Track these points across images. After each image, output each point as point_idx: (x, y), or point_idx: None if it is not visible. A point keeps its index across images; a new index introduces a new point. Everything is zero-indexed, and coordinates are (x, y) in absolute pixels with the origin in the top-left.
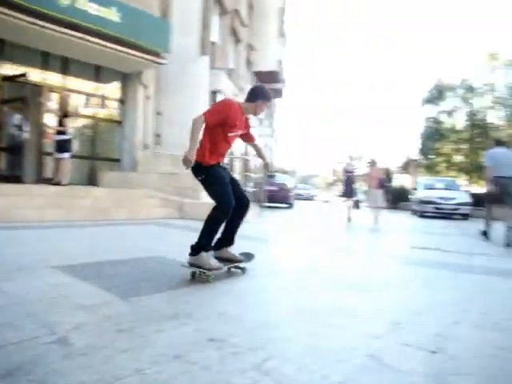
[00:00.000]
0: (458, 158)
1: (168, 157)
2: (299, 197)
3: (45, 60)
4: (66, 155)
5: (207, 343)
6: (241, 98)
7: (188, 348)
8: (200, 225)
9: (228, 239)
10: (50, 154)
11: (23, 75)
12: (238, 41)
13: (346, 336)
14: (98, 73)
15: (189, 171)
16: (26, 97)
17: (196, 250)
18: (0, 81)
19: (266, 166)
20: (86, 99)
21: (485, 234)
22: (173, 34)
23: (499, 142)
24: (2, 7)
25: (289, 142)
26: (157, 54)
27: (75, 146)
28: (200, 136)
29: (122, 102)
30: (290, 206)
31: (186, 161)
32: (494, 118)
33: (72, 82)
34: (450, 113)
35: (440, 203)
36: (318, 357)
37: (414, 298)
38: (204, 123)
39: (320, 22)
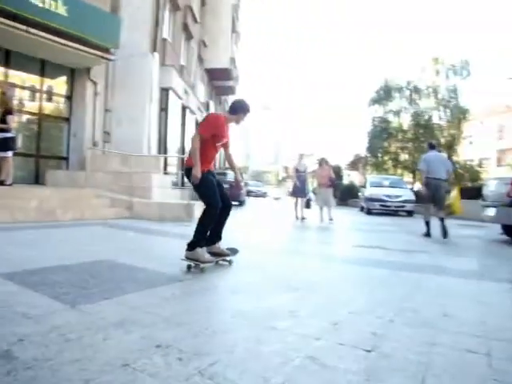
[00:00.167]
0: (404, 157)
1: (117, 155)
2: (251, 194)
3: None
4: (10, 154)
5: (154, 350)
6: (192, 96)
7: (136, 356)
8: (150, 224)
9: (216, 236)
10: None
11: None
12: (189, 37)
13: (287, 338)
14: (44, 67)
15: (137, 169)
16: None
17: (192, 245)
18: None
19: (236, 172)
20: (31, 95)
21: (427, 233)
22: (123, 29)
23: (432, 146)
24: None
25: (241, 138)
26: (106, 50)
27: (18, 143)
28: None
29: (69, 98)
30: (241, 203)
31: (195, 178)
32: (437, 118)
33: (15, 76)
34: (396, 113)
35: (386, 201)
36: (261, 360)
37: (353, 298)
38: (199, 139)
39: (275, 17)
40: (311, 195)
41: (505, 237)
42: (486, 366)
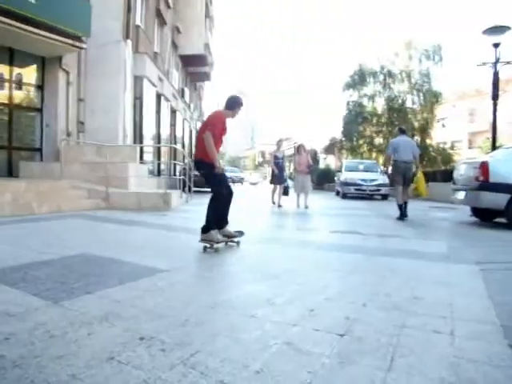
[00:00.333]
0: (379, 141)
1: (92, 145)
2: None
3: None
4: None
5: (138, 342)
6: (166, 83)
7: (120, 349)
8: (128, 215)
9: (223, 220)
10: None
11: None
12: (163, 23)
13: (265, 326)
14: (13, 56)
15: (113, 159)
16: None
17: (205, 229)
18: None
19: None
20: (0, 84)
21: (401, 217)
22: (94, 17)
23: (402, 131)
24: None
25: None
26: (77, 38)
27: None
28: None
29: (40, 87)
30: None
31: (219, 169)
32: (411, 102)
33: None
34: (371, 97)
35: (362, 185)
36: (240, 348)
37: (328, 284)
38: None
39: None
40: (289, 182)
41: (474, 218)
42: (449, 345)
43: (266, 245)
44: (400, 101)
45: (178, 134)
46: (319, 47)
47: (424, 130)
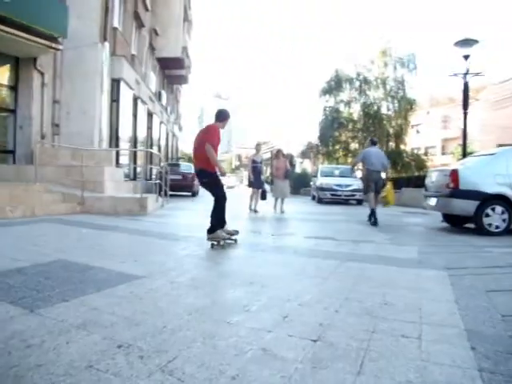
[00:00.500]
0: (354, 146)
1: (67, 148)
2: None
3: None
4: None
5: (116, 350)
6: (143, 86)
7: (98, 356)
8: (103, 220)
9: (224, 221)
10: None
11: None
12: (141, 26)
13: (240, 332)
14: None
15: (89, 163)
16: None
17: (212, 229)
18: None
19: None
20: None
21: (374, 222)
22: (71, 18)
23: (374, 142)
24: None
25: (194, 127)
26: (52, 39)
27: None
28: (201, 149)
29: (14, 88)
30: (194, 194)
31: (223, 174)
32: (386, 109)
33: None
34: (347, 103)
35: (337, 190)
36: (216, 354)
37: (303, 290)
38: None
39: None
40: (266, 186)
41: (445, 224)
42: (416, 349)
43: (242, 251)
44: (375, 107)
45: (155, 136)
46: (302, 49)
47: (398, 136)
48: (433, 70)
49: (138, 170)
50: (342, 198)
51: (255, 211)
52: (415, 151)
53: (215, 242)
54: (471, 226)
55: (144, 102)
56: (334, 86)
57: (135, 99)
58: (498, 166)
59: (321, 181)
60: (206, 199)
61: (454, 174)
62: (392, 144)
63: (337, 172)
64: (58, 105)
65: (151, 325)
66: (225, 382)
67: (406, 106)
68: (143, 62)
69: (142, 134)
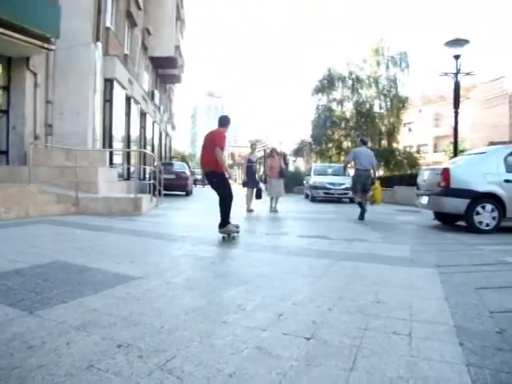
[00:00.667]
0: (347, 144)
1: (61, 149)
2: (197, 183)
3: None
4: None
5: (116, 350)
6: (136, 85)
7: (99, 357)
8: (98, 220)
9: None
10: None
11: None
12: (133, 25)
13: (236, 331)
14: None
15: (82, 163)
16: None
17: (223, 224)
18: None
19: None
20: None
21: (361, 217)
22: (64, 18)
23: (364, 142)
24: None
25: (188, 125)
26: (46, 39)
27: None
28: (210, 153)
29: (6, 88)
30: (188, 193)
31: (229, 176)
32: (378, 107)
33: None
34: (340, 101)
35: (330, 188)
36: (214, 353)
37: (297, 289)
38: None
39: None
40: (261, 185)
41: (436, 222)
42: (407, 345)
43: (237, 250)
44: (368, 105)
45: (148, 136)
46: (300, 49)
47: (391, 135)
48: (424, 68)
49: (132, 169)
50: (335, 196)
51: (250, 210)
52: (407, 149)
53: (226, 235)
54: (462, 223)
55: (137, 102)
56: (327, 84)
57: (128, 99)
58: (488, 165)
59: (314, 179)
60: (200, 198)
61: (446, 172)
62: (384, 142)
63: (330, 170)
64: (51, 105)
65: (149, 325)
66: (222, 379)
67: (399, 104)
68: (136, 61)
69: (135, 134)
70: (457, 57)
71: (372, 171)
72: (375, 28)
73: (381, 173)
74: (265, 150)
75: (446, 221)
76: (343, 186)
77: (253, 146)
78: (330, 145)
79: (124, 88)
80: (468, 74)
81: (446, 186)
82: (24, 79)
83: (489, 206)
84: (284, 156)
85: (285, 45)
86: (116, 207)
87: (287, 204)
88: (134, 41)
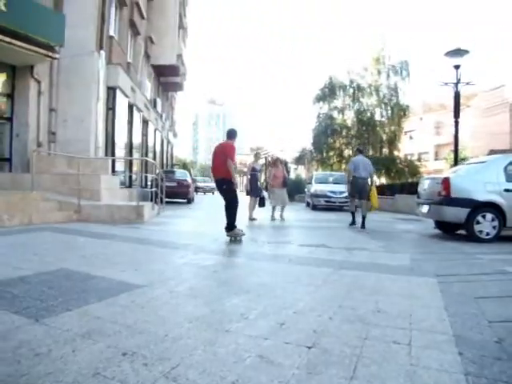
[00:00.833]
0: (348, 152)
1: (64, 156)
2: (199, 190)
3: None
4: None
5: (121, 357)
6: (139, 93)
7: (105, 364)
8: (100, 228)
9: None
10: None
11: None
12: (136, 34)
13: (239, 339)
14: None
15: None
16: None
17: (230, 227)
18: None
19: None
20: None
21: (352, 222)
22: (68, 27)
23: (360, 151)
24: None
25: (190, 133)
26: (50, 48)
27: None
28: (222, 162)
29: (10, 96)
30: (190, 201)
31: (236, 185)
32: (379, 116)
33: None
34: (341, 110)
35: (331, 197)
36: (217, 361)
37: (298, 298)
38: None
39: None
40: (264, 193)
41: (437, 231)
42: (406, 354)
43: (238, 259)
44: (369, 114)
45: (150, 143)
46: (301, 49)
47: (392, 143)
48: (425, 76)
49: (134, 177)
50: (336, 204)
51: (252, 219)
52: (409, 157)
53: (233, 238)
54: (463, 232)
55: (139, 110)
56: (328, 93)
57: (131, 107)
58: (488, 174)
59: (315, 187)
60: (201, 206)
61: (446, 181)
62: (386, 150)
63: (331, 179)
64: (55, 113)
65: (153, 333)
66: None
67: (400, 112)
68: (139, 69)
69: (137, 141)
70: (457, 67)
71: (370, 178)
72: (375, 28)
73: (382, 181)
74: (266, 158)
75: (447, 230)
76: (344, 195)
77: (257, 154)
78: (331, 153)
79: (127, 96)
80: (468, 83)
81: (446, 195)
82: (28, 87)
83: (489, 215)
84: (285, 164)
85: (285, 45)
86: (118, 215)
87: (288, 212)
88: (137, 49)
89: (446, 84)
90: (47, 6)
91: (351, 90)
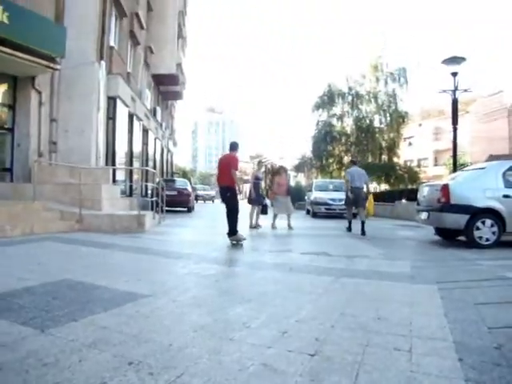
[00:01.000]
0: (348, 159)
1: (65, 166)
2: (198, 198)
3: None
4: None
5: (127, 367)
6: (139, 103)
7: (111, 374)
8: (102, 237)
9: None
10: None
11: None
12: (136, 44)
13: (243, 348)
14: None
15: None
16: None
17: (232, 232)
18: None
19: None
20: None
21: (349, 229)
22: (68, 38)
23: (354, 162)
24: None
25: (189, 141)
26: (51, 59)
27: None
28: (227, 172)
29: (11, 107)
30: (190, 209)
31: (240, 192)
32: (378, 122)
33: None
34: (340, 117)
35: (331, 204)
36: (221, 370)
37: (299, 307)
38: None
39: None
40: (267, 201)
41: (437, 237)
42: (407, 361)
43: (239, 268)
44: (368, 121)
45: (150, 152)
46: (301, 48)
47: (391, 149)
48: (424, 82)
49: (134, 186)
50: (336, 212)
51: (259, 226)
52: (408, 163)
53: (235, 242)
54: (463, 238)
55: (139, 119)
56: (327, 100)
57: (131, 116)
58: (487, 181)
59: (315, 195)
60: (201, 214)
61: (445, 188)
62: (385, 157)
63: (331, 186)
64: (56, 123)
65: (159, 342)
66: None
67: (398, 119)
68: (138, 79)
69: (137, 150)
70: (454, 74)
71: (365, 187)
72: (375, 26)
73: (382, 188)
74: (266, 166)
75: (447, 236)
76: (344, 202)
77: (260, 163)
78: (330, 160)
79: (127, 106)
80: (466, 90)
81: (445, 202)
82: (29, 98)
83: (488, 221)
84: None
85: (285, 43)
86: (119, 224)
87: (292, 220)
88: (137, 59)
89: (445, 91)
90: (48, 17)
91: (350, 98)
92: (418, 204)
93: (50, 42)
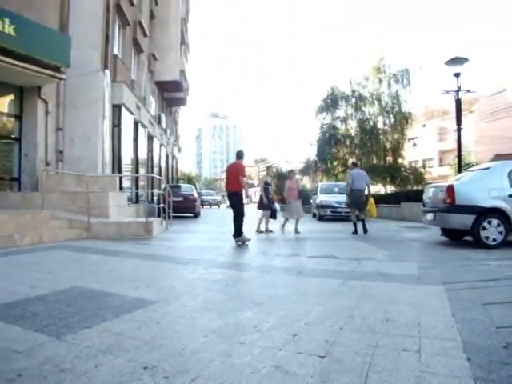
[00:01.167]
0: (353, 161)
1: (72, 175)
2: (204, 203)
3: None
4: None
5: (142, 371)
6: (143, 110)
7: (127, 378)
8: (110, 245)
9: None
10: None
11: None
12: (139, 51)
13: (254, 351)
14: None
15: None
16: None
17: (238, 233)
18: None
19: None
20: None
21: (355, 232)
22: (73, 47)
23: (355, 164)
24: None
25: (193, 146)
26: (57, 69)
27: None
28: (234, 178)
29: (18, 117)
30: (196, 215)
31: (247, 197)
32: (382, 124)
33: None
34: (343, 120)
35: (337, 207)
36: (234, 372)
37: (309, 309)
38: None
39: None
40: (276, 205)
41: (444, 238)
42: (416, 361)
43: (248, 272)
44: (371, 123)
45: (155, 159)
46: (299, 50)
47: (396, 151)
48: (426, 82)
49: (140, 192)
50: (342, 214)
51: (269, 231)
52: (413, 164)
53: (240, 242)
54: (470, 238)
55: (144, 126)
56: (330, 103)
57: (136, 123)
58: (492, 180)
59: (320, 198)
60: (208, 220)
61: (450, 189)
62: (389, 158)
63: (336, 189)
64: (62, 132)
65: (171, 347)
66: None
67: (402, 120)
68: (142, 86)
69: (142, 157)
70: (457, 75)
71: (367, 189)
72: (373, 28)
73: (388, 189)
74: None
75: (453, 236)
76: None
77: (269, 168)
78: (335, 163)
79: (132, 113)
80: (469, 91)
81: (451, 203)
82: (36, 107)
83: (495, 221)
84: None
85: (282, 45)
86: (127, 231)
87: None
88: (141, 66)
89: (448, 92)
90: (53, 28)
91: (353, 100)
92: (424, 205)
93: (55, 52)
